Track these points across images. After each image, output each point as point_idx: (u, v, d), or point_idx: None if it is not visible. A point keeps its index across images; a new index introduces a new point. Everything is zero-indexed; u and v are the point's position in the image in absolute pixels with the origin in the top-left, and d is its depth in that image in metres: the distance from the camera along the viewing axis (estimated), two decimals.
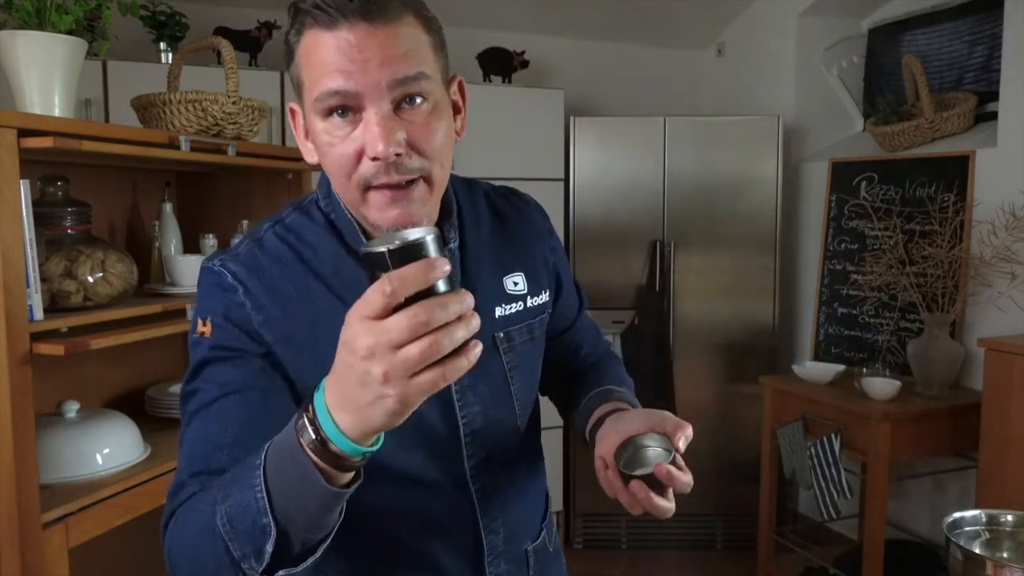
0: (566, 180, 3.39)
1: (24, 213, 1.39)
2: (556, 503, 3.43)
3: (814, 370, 2.90)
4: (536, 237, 1.06)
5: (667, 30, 3.91)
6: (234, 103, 1.85)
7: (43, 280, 1.52)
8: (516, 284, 1.00)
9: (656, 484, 0.85)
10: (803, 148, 3.60)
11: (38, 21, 1.55)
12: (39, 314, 1.45)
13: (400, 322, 0.59)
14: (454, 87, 0.92)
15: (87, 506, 1.50)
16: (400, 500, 0.93)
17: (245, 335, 0.86)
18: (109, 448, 1.64)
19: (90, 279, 1.61)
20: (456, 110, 0.92)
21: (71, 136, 1.44)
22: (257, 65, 3.16)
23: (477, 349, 0.62)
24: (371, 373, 0.60)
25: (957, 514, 1.22)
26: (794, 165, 3.59)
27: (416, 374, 0.60)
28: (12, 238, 1.36)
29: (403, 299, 0.59)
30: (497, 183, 1.10)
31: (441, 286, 0.60)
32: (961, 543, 1.15)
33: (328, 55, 0.79)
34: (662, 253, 3.29)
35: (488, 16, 3.50)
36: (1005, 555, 1.20)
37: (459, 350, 0.61)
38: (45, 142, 1.39)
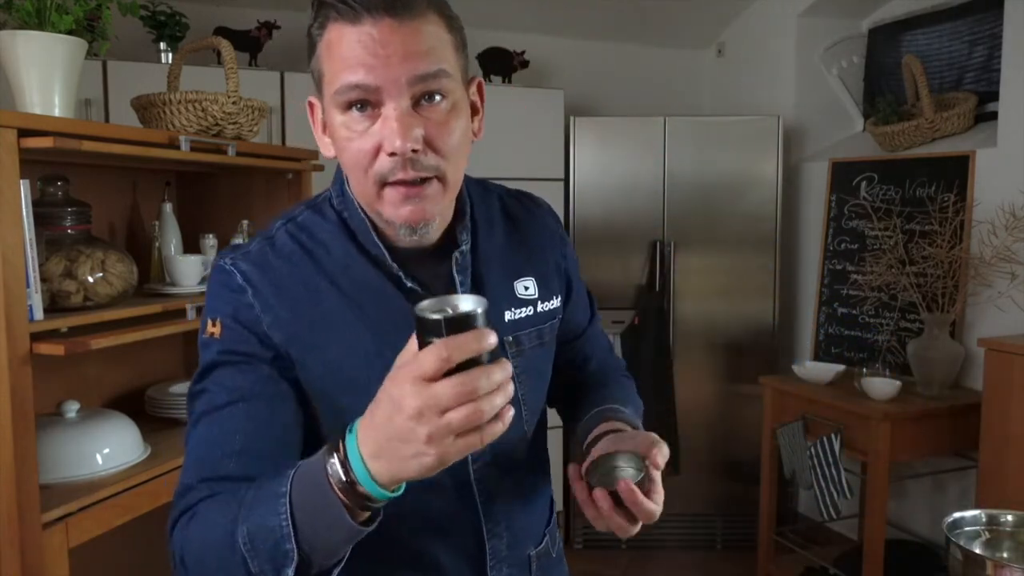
0: (566, 180, 3.39)
1: (24, 213, 1.39)
2: (556, 503, 3.43)
3: (814, 370, 2.90)
4: (548, 242, 1.05)
5: (667, 30, 3.91)
6: (234, 103, 1.85)
7: (43, 280, 1.52)
8: (527, 288, 1.00)
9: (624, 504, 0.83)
10: (803, 148, 3.60)
11: (38, 21, 1.55)
12: (39, 314, 1.44)
13: (449, 389, 0.64)
14: (473, 88, 0.92)
15: (87, 506, 1.50)
16: (402, 501, 0.93)
17: (254, 337, 0.87)
18: (109, 448, 1.64)
19: (90, 279, 1.61)
20: (474, 111, 0.92)
21: (71, 136, 1.44)
22: (257, 65, 3.16)
23: (510, 414, 0.67)
24: (416, 432, 0.65)
25: (957, 514, 1.22)
26: (794, 165, 3.59)
27: (456, 436, 0.65)
28: (12, 238, 1.36)
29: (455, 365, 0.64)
30: (497, 183, 1.10)
31: (485, 354, 0.66)
32: (961, 543, 1.15)
33: (350, 49, 0.80)
34: (662, 253, 3.29)
35: (488, 16, 3.50)
36: (1005, 555, 1.20)
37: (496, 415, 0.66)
38: (45, 142, 1.39)
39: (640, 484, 0.83)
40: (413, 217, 0.85)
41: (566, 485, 3.45)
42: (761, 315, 3.35)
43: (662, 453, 0.85)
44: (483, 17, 3.51)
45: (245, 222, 2.13)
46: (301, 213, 0.96)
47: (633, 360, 3.19)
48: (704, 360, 3.37)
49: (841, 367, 2.88)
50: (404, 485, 0.71)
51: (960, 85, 3.14)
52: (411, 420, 0.65)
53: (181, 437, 1.83)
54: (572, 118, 3.31)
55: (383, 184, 0.84)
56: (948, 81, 3.19)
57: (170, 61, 2.46)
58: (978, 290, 2.71)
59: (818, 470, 2.68)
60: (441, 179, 0.85)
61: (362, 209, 0.92)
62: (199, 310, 1.79)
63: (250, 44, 3.11)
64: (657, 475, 0.86)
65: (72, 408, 1.66)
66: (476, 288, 0.95)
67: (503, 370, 0.66)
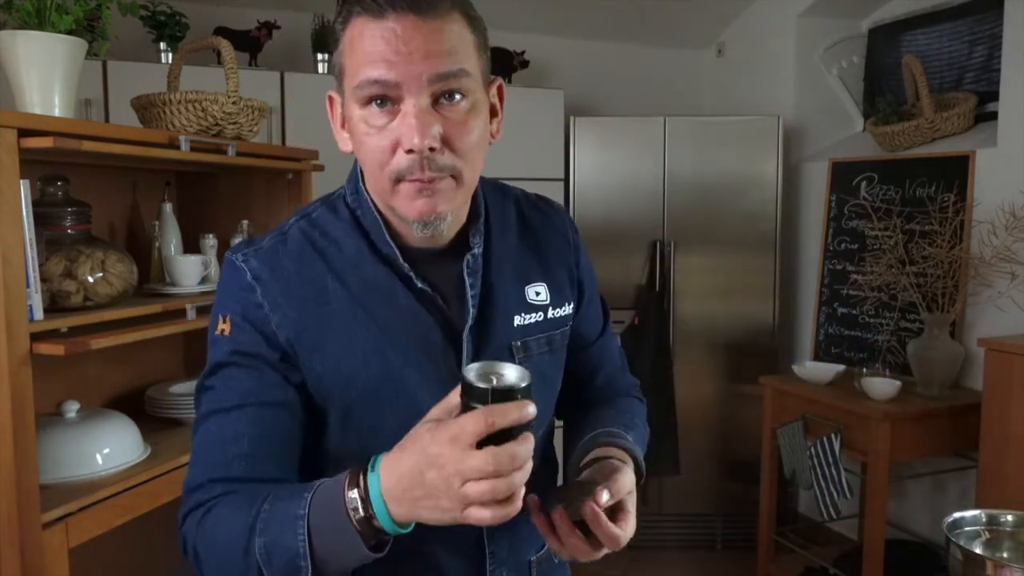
0: (566, 180, 3.39)
1: (24, 213, 1.39)
2: None
3: (814, 370, 2.90)
4: (562, 248, 1.04)
5: (667, 30, 3.91)
6: (234, 103, 1.85)
7: (43, 280, 1.52)
8: (538, 294, 0.99)
9: (590, 532, 0.82)
10: (803, 148, 3.60)
11: (38, 21, 1.55)
12: (39, 314, 1.44)
13: (480, 461, 0.69)
14: (493, 89, 0.92)
15: (87, 506, 1.50)
16: None
17: (261, 337, 0.88)
18: (109, 448, 1.64)
19: (90, 279, 1.61)
20: (493, 113, 0.92)
21: (71, 136, 1.44)
22: (257, 65, 3.16)
23: (519, 501, 0.71)
24: (440, 490, 0.70)
25: (957, 514, 1.21)
26: (794, 165, 3.59)
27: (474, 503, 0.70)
28: (12, 238, 1.36)
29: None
30: (516, 187, 1.09)
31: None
32: (961, 543, 1.15)
33: (373, 44, 0.80)
34: (662, 253, 3.29)
35: (488, 16, 3.46)
36: (1005, 555, 1.20)
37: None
38: (45, 142, 1.39)
39: (611, 512, 0.82)
40: (425, 210, 0.85)
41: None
42: (761, 315, 3.35)
43: (613, 489, 0.83)
44: (483, 17, 3.51)
45: (245, 222, 2.13)
46: (316, 210, 0.97)
47: (633, 360, 3.18)
48: (704, 360, 3.37)
49: (841, 367, 2.88)
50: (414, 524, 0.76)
51: (960, 85, 3.14)
52: (440, 479, 0.70)
53: (181, 437, 1.84)
54: (572, 118, 3.32)
55: (399, 180, 0.84)
56: (948, 81, 3.19)
57: (170, 61, 2.46)
58: (978, 290, 2.71)
59: (818, 470, 2.68)
60: (456, 177, 0.85)
61: (375, 207, 0.92)
62: (199, 310, 1.79)
63: (250, 44, 3.11)
64: (629, 503, 0.85)
65: (72, 408, 1.66)
66: (485, 291, 0.95)
67: (527, 446, 0.71)
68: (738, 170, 3.30)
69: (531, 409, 0.70)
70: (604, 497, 0.81)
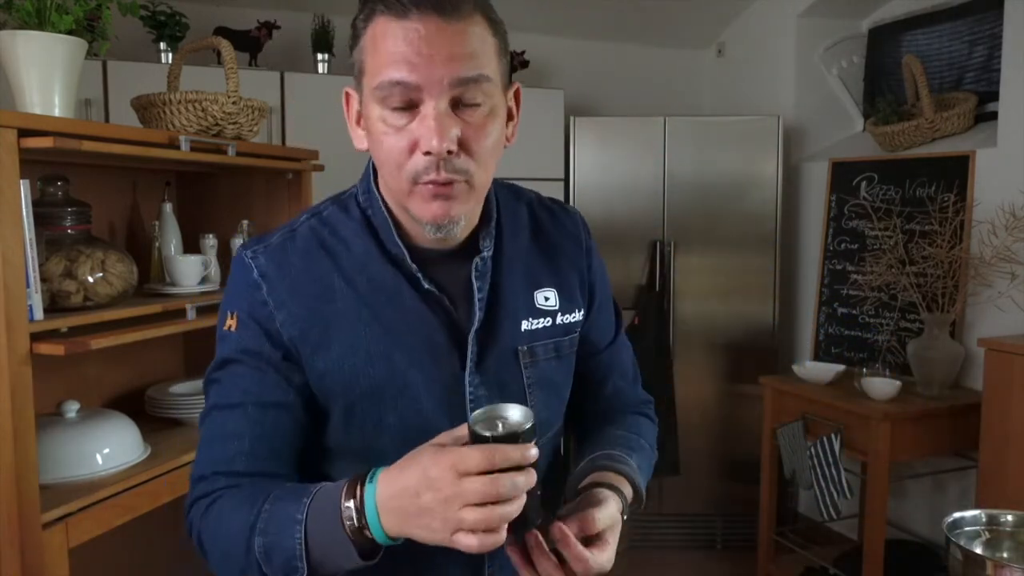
0: (566, 180, 3.39)
1: (24, 213, 1.39)
2: None
3: (814, 370, 2.90)
4: (574, 253, 1.03)
5: (667, 30, 3.91)
6: (234, 103, 1.85)
7: (43, 280, 1.52)
8: (547, 299, 0.99)
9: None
10: (803, 148, 3.60)
11: (38, 21, 1.55)
12: (39, 314, 1.44)
13: (479, 487, 0.71)
14: (511, 93, 0.92)
15: (87, 506, 1.50)
16: None
17: (265, 335, 0.90)
18: (109, 448, 1.64)
19: (90, 279, 1.61)
20: (509, 116, 0.92)
21: (71, 136, 1.44)
22: (257, 65, 3.16)
23: (502, 533, 0.73)
24: (435, 512, 0.72)
25: (957, 514, 1.21)
26: (794, 165, 3.59)
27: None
28: (12, 238, 1.36)
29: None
30: (531, 190, 1.09)
31: None
32: (961, 543, 1.14)
33: (395, 45, 0.80)
34: (662, 253, 3.29)
35: None
36: (1005, 555, 1.20)
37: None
38: (45, 142, 1.39)
39: (586, 542, 0.82)
40: (440, 214, 0.85)
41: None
42: (761, 315, 3.35)
43: (586, 522, 0.82)
44: None
45: (245, 222, 2.13)
46: (327, 208, 0.97)
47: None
48: (704, 360, 3.37)
49: (841, 367, 2.88)
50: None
51: (960, 85, 3.14)
52: (435, 502, 0.72)
53: (181, 437, 1.85)
54: (572, 118, 3.32)
55: (415, 182, 0.84)
56: (948, 81, 3.19)
57: (170, 61, 2.46)
58: (978, 290, 2.71)
59: (818, 470, 2.68)
60: (469, 182, 0.85)
61: (386, 207, 0.93)
62: (199, 310, 1.79)
63: (250, 44, 3.11)
64: (609, 534, 0.84)
65: (72, 408, 1.66)
66: (493, 294, 0.94)
67: (528, 478, 0.73)
68: (738, 170, 3.30)
69: (532, 452, 0.73)
70: (566, 529, 0.81)
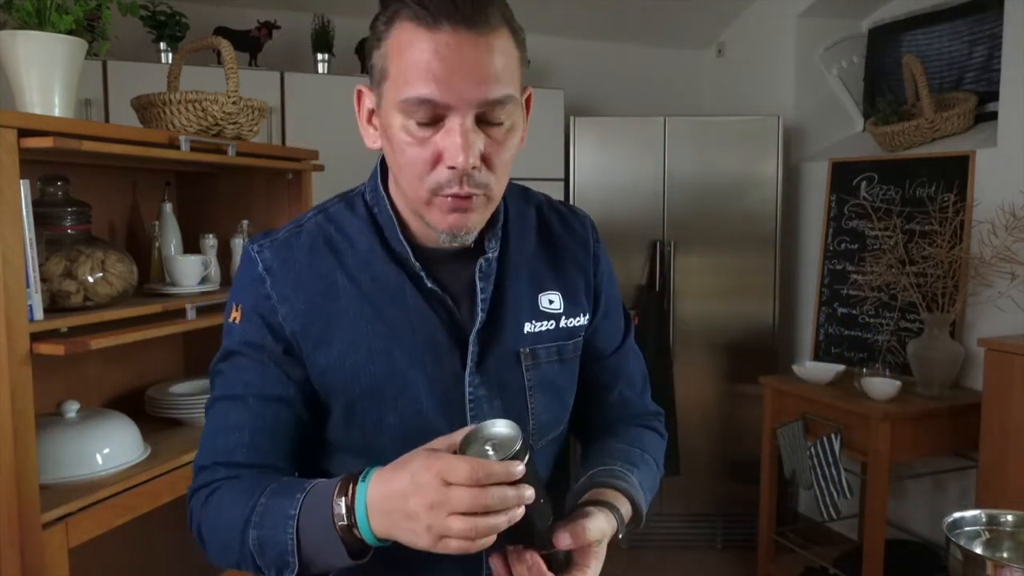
0: (566, 180, 3.39)
1: (24, 213, 1.39)
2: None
3: (814, 370, 2.90)
4: (581, 257, 1.03)
5: (667, 30, 3.91)
6: (234, 103, 1.85)
7: (43, 280, 1.52)
8: (551, 302, 0.98)
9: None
10: (803, 148, 3.60)
11: (38, 21, 1.55)
12: (39, 314, 1.45)
13: (465, 497, 0.71)
14: (523, 98, 0.92)
15: (87, 506, 1.50)
16: None
17: (268, 329, 0.91)
18: (109, 448, 1.64)
19: (90, 279, 1.61)
20: None
21: (71, 136, 1.44)
22: (257, 65, 3.16)
23: (491, 538, 0.73)
24: (420, 518, 0.73)
25: (957, 514, 1.21)
26: (794, 165, 3.59)
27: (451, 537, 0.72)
28: (12, 238, 1.36)
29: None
30: (541, 192, 1.08)
31: None
32: (961, 543, 1.14)
33: (424, 57, 0.79)
34: (662, 253, 3.29)
35: None
36: (1005, 555, 1.20)
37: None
38: (45, 142, 1.39)
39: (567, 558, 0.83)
40: (457, 225, 0.86)
41: (565, 485, 3.46)
42: (761, 315, 3.35)
43: (574, 533, 0.82)
44: None
45: (245, 222, 2.13)
46: (334, 205, 0.98)
47: None
48: (704, 360, 3.37)
49: (841, 367, 2.88)
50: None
51: (960, 85, 3.14)
52: (421, 508, 0.72)
53: (181, 437, 1.85)
54: (572, 118, 3.32)
55: (435, 193, 0.84)
56: (948, 81, 3.19)
57: (170, 61, 2.46)
58: (978, 290, 2.71)
59: (818, 470, 2.68)
60: (487, 194, 0.86)
61: (392, 206, 0.93)
62: (199, 310, 1.79)
63: (250, 44, 3.11)
64: (596, 548, 0.83)
65: (72, 408, 1.66)
66: (497, 295, 0.94)
67: (517, 492, 0.73)
68: (738, 170, 3.30)
69: (518, 469, 0.72)
70: (563, 541, 0.81)
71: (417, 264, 0.91)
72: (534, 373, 0.96)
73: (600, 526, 0.84)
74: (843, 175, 3.26)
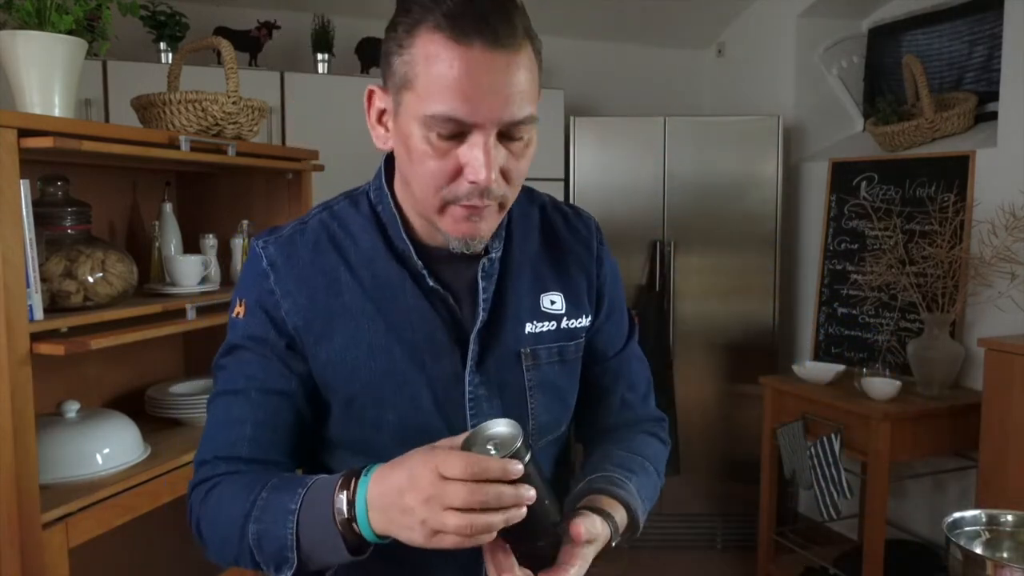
0: (566, 180, 3.39)
1: (24, 213, 1.39)
2: None
3: (814, 370, 2.90)
4: (585, 259, 1.03)
5: (667, 30, 3.91)
6: (234, 103, 1.85)
7: (43, 280, 1.52)
8: (553, 303, 0.99)
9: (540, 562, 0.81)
10: (803, 148, 3.60)
11: (38, 21, 1.55)
12: (39, 314, 1.45)
13: (460, 492, 0.70)
14: None
15: (87, 506, 1.50)
16: None
17: (271, 323, 0.91)
18: (109, 448, 1.64)
19: (90, 279, 1.61)
20: None
21: (71, 136, 1.44)
22: (257, 65, 3.16)
23: (489, 535, 0.73)
24: (415, 512, 0.72)
25: (957, 514, 1.21)
26: (794, 165, 3.59)
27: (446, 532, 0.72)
28: (12, 238, 1.36)
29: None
30: (545, 193, 1.08)
31: None
32: (961, 543, 1.14)
33: (455, 74, 0.78)
34: (662, 253, 3.29)
35: None
36: (1005, 555, 1.20)
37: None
38: (45, 142, 1.39)
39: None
40: (469, 233, 0.87)
41: (565, 485, 3.46)
42: (761, 315, 3.35)
43: (583, 532, 0.81)
44: None
45: (245, 222, 2.13)
46: (339, 202, 0.98)
47: None
48: (704, 360, 3.37)
49: (841, 367, 2.88)
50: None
51: (960, 85, 3.14)
52: (416, 502, 0.72)
53: (181, 437, 1.85)
54: (572, 118, 3.31)
55: (450, 203, 0.85)
56: (948, 81, 3.19)
57: (170, 61, 2.46)
58: (978, 290, 2.71)
59: (818, 470, 2.68)
60: (502, 203, 0.87)
61: (396, 204, 0.93)
62: (199, 310, 1.79)
63: (250, 44, 3.11)
64: (583, 549, 0.82)
65: (72, 408, 1.66)
66: (498, 295, 0.95)
67: (516, 492, 0.72)
68: (738, 170, 3.30)
69: (515, 467, 0.72)
70: (583, 529, 0.81)
71: (419, 262, 0.92)
72: (534, 373, 0.96)
73: (592, 528, 0.84)
74: (843, 175, 3.26)
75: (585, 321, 1.01)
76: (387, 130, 0.89)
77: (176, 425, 1.93)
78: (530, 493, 0.73)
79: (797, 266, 3.58)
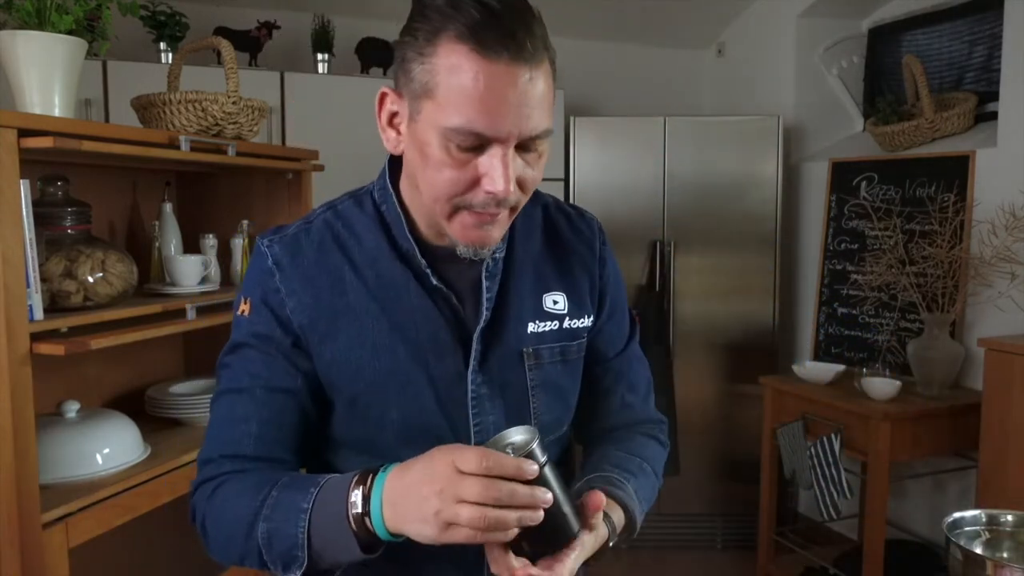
0: (566, 180, 3.39)
1: (24, 213, 1.39)
2: None
3: (814, 370, 2.90)
4: (588, 259, 1.03)
5: (667, 30, 3.91)
6: (234, 103, 1.85)
7: (43, 280, 1.52)
8: (556, 303, 0.99)
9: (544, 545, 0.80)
10: (803, 148, 3.60)
11: (38, 21, 1.55)
12: (39, 314, 1.45)
13: (474, 486, 0.71)
14: None
15: (87, 506, 1.50)
16: None
17: (277, 322, 0.92)
18: (109, 448, 1.64)
19: (90, 279, 1.61)
20: None
21: (71, 136, 1.44)
22: (257, 65, 3.16)
23: (502, 534, 0.73)
24: (429, 503, 0.73)
25: (957, 514, 1.21)
26: (794, 165, 3.59)
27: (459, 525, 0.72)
28: (12, 238, 1.36)
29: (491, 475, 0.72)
30: (548, 193, 1.08)
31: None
32: (961, 543, 1.14)
33: (479, 88, 0.78)
34: (662, 253, 3.29)
35: None
36: (1005, 555, 1.20)
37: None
38: (45, 142, 1.39)
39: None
40: (479, 241, 0.87)
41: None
42: (761, 315, 3.35)
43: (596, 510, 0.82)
44: None
45: (245, 222, 2.13)
46: (343, 202, 0.98)
47: None
48: (704, 360, 3.37)
49: (841, 367, 2.88)
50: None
51: (960, 85, 3.14)
52: (432, 493, 0.73)
53: (181, 437, 1.85)
54: (572, 118, 3.32)
55: (462, 209, 0.85)
56: (948, 81, 3.19)
57: (170, 61, 2.46)
58: (978, 290, 2.71)
59: (818, 470, 2.68)
60: (513, 209, 0.88)
61: (400, 204, 0.94)
62: (199, 310, 1.79)
63: (250, 44, 3.11)
64: (579, 544, 0.81)
65: (72, 408, 1.66)
66: (501, 295, 0.95)
67: (531, 492, 0.73)
68: (738, 170, 3.30)
69: (530, 467, 0.73)
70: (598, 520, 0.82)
71: (423, 261, 0.92)
72: (537, 373, 0.97)
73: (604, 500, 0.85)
74: (843, 175, 3.26)
75: (587, 321, 1.02)
76: (399, 134, 0.88)
77: (176, 425, 1.93)
78: (546, 496, 0.74)
79: (797, 266, 3.58)
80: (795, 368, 2.95)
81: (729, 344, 3.37)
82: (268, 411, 0.91)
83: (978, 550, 1.18)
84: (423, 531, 0.74)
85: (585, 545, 0.82)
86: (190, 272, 1.91)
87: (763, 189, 3.29)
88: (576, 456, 1.10)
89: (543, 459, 0.75)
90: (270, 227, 0.99)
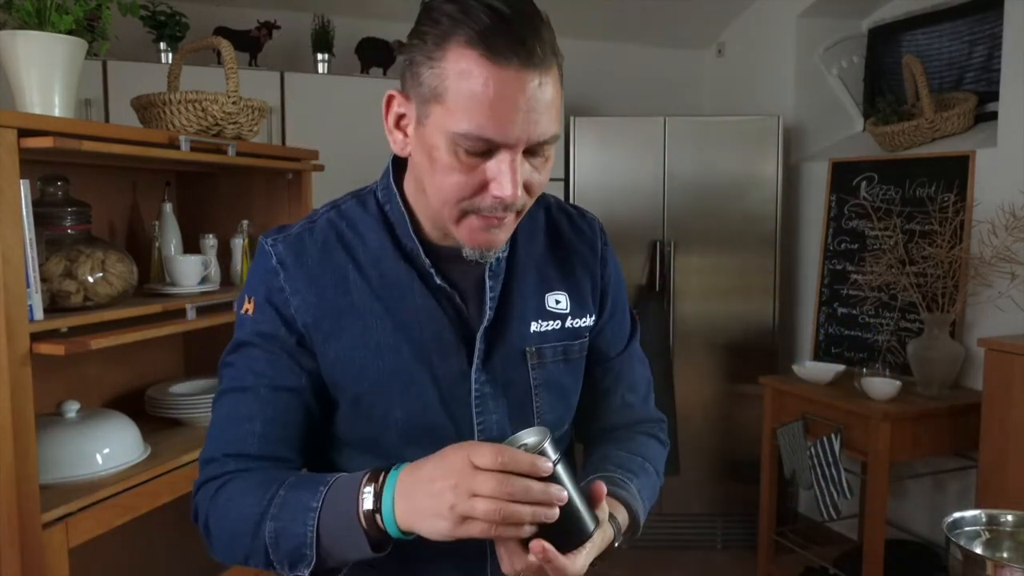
0: (566, 180, 3.39)
1: (24, 213, 1.39)
2: None
3: (814, 370, 2.90)
4: (589, 259, 1.03)
5: (667, 30, 3.91)
6: (234, 103, 1.85)
7: (43, 280, 1.52)
8: (558, 303, 0.99)
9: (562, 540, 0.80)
10: (803, 148, 3.60)
11: (38, 21, 1.55)
12: (39, 314, 1.45)
13: (489, 480, 0.72)
14: None
15: (87, 506, 1.50)
16: None
17: (281, 320, 0.91)
18: (109, 448, 1.64)
19: (90, 279, 1.61)
20: None
21: (71, 136, 1.44)
22: (257, 65, 3.16)
23: (517, 530, 0.73)
24: (444, 497, 0.73)
25: (957, 514, 1.21)
26: (794, 165, 3.59)
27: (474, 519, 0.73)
28: (12, 238, 1.36)
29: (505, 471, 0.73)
30: (550, 194, 1.08)
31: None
32: (961, 543, 1.14)
33: (489, 94, 0.78)
34: (662, 253, 3.29)
35: None
36: (1005, 555, 1.20)
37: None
38: (45, 142, 1.39)
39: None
40: (486, 244, 0.87)
41: None
42: (761, 315, 3.35)
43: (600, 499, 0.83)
44: None
45: (245, 222, 2.13)
46: (346, 201, 0.98)
47: None
48: (704, 360, 3.37)
49: (841, 367, 2.88)
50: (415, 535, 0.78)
51: (960, 85, 3.14)
52: (446, 487, 0.73)
53: (181, 437, 1.85)
54: (572, 118, 3.31)
55: (469, 213, 0.85)
56: (948, 81, 3.19)
57: (170, 61, 2.46)
58: (978, 290, 2.71)
59: (818, 470, 2.68)
60: (519, 212, 0.88)
61: (404, 203, 0.94)
62: (199, 310, 1.79)
63: (250, 44, 3.11)
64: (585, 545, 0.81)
65: (72, 408, 1.66)
66: (504, 295, 0.96)
67: (545, 489, 0.73)
68: (738, 170, 3.30)
69: (545, 465, 0.74)
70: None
71: (427, 261, 0.93)
72: (539, 372, 0.97)
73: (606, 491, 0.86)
74: (843, 175, 3.26)
75: (589, 321, 1.02)
76: (406, 136, 0.88)
77: (176, 425, 1.93)
78: (561, 494, 0.74)
79: (797, 266, 3.58)
80: (795, 368, 2.95)
81: (729, 344, 3.37)
82: (272, 410, 0.90)
83: (978, 550, 1.18)
84: (437, 525, 0.74)
85: (595, 542, 0.82)
86: (190, 272, 1.91)
87: (763, 189, 3.29)
88: (576, 456, 1.10)
89: (556, 457, 0.76)
90: (270, 227, 0.99)
